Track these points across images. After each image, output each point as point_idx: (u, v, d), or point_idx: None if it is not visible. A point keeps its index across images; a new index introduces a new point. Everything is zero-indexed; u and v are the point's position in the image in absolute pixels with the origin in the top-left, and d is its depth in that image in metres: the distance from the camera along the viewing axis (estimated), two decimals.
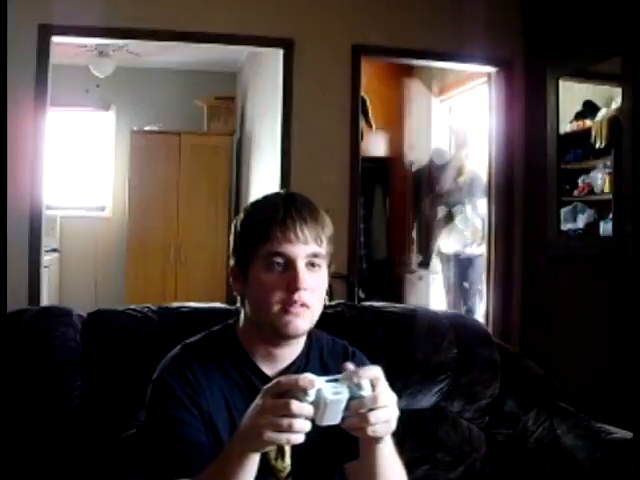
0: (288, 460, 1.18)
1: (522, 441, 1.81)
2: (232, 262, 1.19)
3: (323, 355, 1.26)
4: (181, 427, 1.11)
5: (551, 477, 1.68)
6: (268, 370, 1.19)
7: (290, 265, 1.13)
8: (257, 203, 1.22)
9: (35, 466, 1.44)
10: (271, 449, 1.13)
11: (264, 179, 4.53)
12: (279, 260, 1.13)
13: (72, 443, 1.47)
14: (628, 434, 1.63)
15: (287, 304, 1.12)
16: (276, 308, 1.13)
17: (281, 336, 1.16)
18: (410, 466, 1.72)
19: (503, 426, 1.88)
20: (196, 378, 1.14)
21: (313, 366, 1.21)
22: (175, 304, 1.72)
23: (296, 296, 1.12)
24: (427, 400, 1.85)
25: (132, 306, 1.69)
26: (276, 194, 1.23)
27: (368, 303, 2.03)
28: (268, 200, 1.21)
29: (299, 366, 1.20)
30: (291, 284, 1.12)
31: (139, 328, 1.59)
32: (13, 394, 1.46)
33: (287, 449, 1.17)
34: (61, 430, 1.47)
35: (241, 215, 1.21)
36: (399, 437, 1.77)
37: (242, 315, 1.22)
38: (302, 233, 1.13)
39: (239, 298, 1.22)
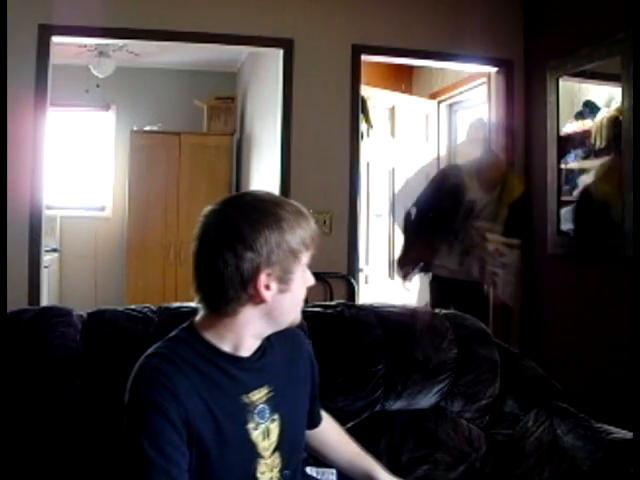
0: (273, 437, 1.26)
1: (522, 441, 1.81)
2: (268, 272, 1.19)
3: (274, 335, 1.33)
4: (170, 450, 1.12)
5: (551, 477, 1.68)
6: (245, 354, 1.26)
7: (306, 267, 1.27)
8: (288, 215, 1.22)
9: (35, 466, 1.44)
10: (258, 432, 1.23)
11: (264, 179, 4.53)
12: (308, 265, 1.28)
13: (72, 443, 1.47)
14: (628, 434, 1.63)
15: (303, 301, 1.30)
16: (300, 307, 1.29)
17: (292, 327, 1.32)
18: (410, 466, 1.74)
19: (503, 426, 1.88)
20: (174, 384, 1.15)
21: (277, 343, 1.34)
22: (175, 304, 1.72)
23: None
24: (427, 400, 1.85)
25: (132, 306, 1.69)
26: (283, 200, 1.27)
27: (368, 303, 2.03)
28: (294, 210, 1.24)
29: (265, 347, 1.31)
30: (309, 283, 1.29)
31: (139, 328, 1.59)
32: (13, 394, 1.46)
33: (272, 427, 1.26)
34: (61, 430, 1.47)
35: (280, 227, 1.19)
36: (399, 437, 1.79)
37: (204, 315, 1.25)
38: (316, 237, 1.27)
39: (235, 301, 1.20)
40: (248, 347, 1.26)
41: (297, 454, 1.34)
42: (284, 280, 1.21)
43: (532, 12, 3.81)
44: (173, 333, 1.27)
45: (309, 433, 1.47)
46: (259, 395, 1.25)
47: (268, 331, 1.28)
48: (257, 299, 1.20)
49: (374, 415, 1.80)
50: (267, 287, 1.20)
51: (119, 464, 1.21)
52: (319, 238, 1.28)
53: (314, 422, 1.48)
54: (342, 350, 1.78)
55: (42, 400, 1.47)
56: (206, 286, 1.22)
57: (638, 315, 1.85)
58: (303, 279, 1.26)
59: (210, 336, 1.23)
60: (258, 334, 1.27)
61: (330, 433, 1.53)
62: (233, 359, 1.24)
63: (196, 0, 3.50)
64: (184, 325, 1.28)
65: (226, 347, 1.24)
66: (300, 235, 1.22)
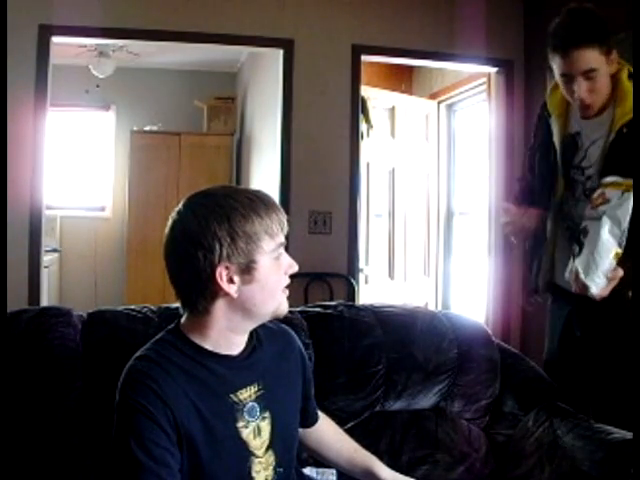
0: (265, 435, 1.26)
1: (522, 441, 1.81)
2: (226, 266, 1.18)
3: (263, 332, 1.34)
4: (159, 452, 1.12)
5: (551, 477, 1.68)
6: (232, 352, 1.26)
7: (283, 252, 1.26)
8: (239, 204, 1.19)
9: (35, 466, 1.44)
10: (249, 430, 1.23)
11: (264, 179, 4.53)
12: (281, 250, 1.25)
13: (72, 443, 1.47)
14: (628, 434, 1.63)
15: (285, 287, 1.27)
16: (281, 293, 1.26)
17: (278, 317, 1.30)
18: (410, 466, 1.74)
19: (503, 426, 1.88)
20: (162, 388, 1.15)
21: (267, 341, 1.34)
22: (175, 304, 1.71)
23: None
24: (427, 400, 1.85)
25: (132, 306, 1.69)
26: (236, 190, 1.26)
27: (368, 303, 2.03)
28: (247, 198, 1.21)
29: (255, 345, 1.31)
30: (288, 269, 1.27)
31: (139, 328, 1.59)
32: (13, 394, 1.46)
33: (263, 425, 1.26)
34: (61, 430, 1.47)
35: (230, 219, 1.18)
36: (399, 437, 1.79)
37: (186, 316, 1.26)
38: (286, 222, 1.26)
39: (210, 298, 1.21)
40: (233, 344, 1.26)
41: (290, 452, 1.34)
42: (247, 271, 1.19)
43: (532, 12, 3.81)
44: (159, 335, 1.28)
45: (306, 432, 1.47)
46: (248, 393, 1.25)
47: (249, 325, 1.27)
48: (223, 294, 1.20)
49: (374, 415, 1.80)
50: (230, 280, 1.19)
51: (111, 466, 1.22)
52: (287, 223, 1.25)
53: (310, 421, 1.48)
54: (342, 350, 1.78)
55: (42, 400, 1.47)
56: (176, 289, 1.24)
57: (638, 315, 1.85)
58: (275, 266, 1.23)
59: (194, 336, 1.24)
60: (238, 329, 1.26)
61: (327, 431, 1.52)
62: (220, 358, 1.24)
63: (196, 0, 3.50)
64: (170, 327, 1.29)
65: (209, 345, 1.23)
66: (258, 223, 1.19)
